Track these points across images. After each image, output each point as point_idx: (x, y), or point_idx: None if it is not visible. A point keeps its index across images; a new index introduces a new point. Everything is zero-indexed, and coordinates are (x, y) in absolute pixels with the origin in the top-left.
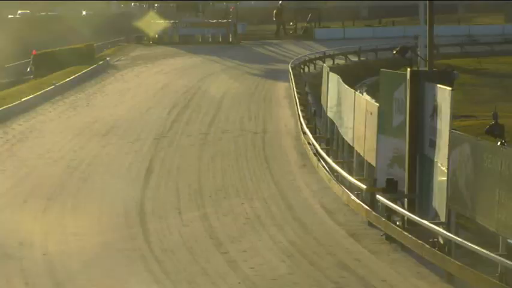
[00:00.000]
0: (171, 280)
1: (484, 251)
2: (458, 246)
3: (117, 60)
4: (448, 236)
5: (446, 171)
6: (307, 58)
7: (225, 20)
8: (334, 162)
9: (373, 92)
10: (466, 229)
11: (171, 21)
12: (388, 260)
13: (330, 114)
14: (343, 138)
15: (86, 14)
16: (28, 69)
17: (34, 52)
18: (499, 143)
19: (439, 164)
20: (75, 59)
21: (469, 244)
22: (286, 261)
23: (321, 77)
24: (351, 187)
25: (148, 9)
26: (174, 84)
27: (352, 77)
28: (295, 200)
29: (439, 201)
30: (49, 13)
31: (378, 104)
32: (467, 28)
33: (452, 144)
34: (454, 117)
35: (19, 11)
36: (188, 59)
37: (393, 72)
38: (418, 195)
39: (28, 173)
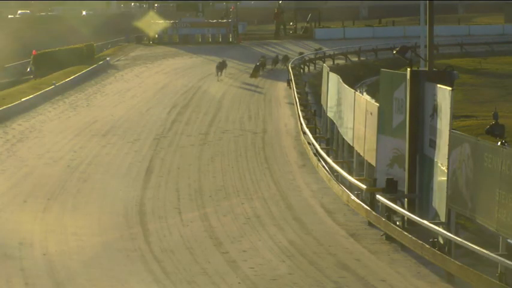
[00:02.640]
0: (171, 280)
1: (484, 251)
2: (458, 246)
3: (117, 60)
4: (448, 236)
5: (446, 171)
6: (306, 58)
7: (225, 20)
8: (334, 162)
9: (373, 92)
10: (466, 229)
11: (171, 21)
12: (388, 260)
13: (330, 114)
14: (343, 138)
15: (86, 14)
16: (28, 69)
17: (34, 52)
18: (499, 143)
19: (439, 164)
20: (75, 59)
21: (469, 244)
22: (286, 261)
23: (321, 77)
24: (351, 187)
25: (148, 9)
26: (174, 84)
27: (352, 77)
28: (295, 199)
29: (439, 201)
30: (49, 13)
31: (378, 104)
32: (467, 28)
33: (452, 144)
34: (454, 117)
35: (19, 11)
36: (188, 59)
37: (393, 72)
38: (418, 195)
39: (28, 173)
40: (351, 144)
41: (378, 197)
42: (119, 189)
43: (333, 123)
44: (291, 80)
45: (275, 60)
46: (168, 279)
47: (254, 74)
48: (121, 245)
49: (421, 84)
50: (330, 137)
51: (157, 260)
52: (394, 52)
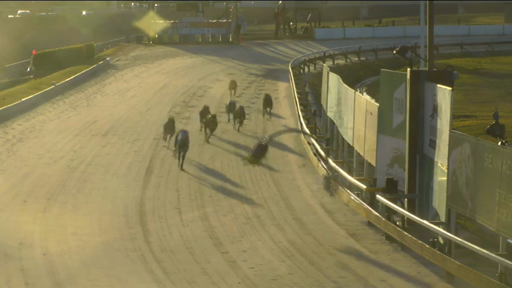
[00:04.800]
0: (171, 280)
1: (484, 251)
2: (458, 246)
3: (117, 60)
4: (448, 236)
5: (446, 171)
6: (306, 58)
7: (224, 20)
8: (334, 162)
9: (373, 92)
10: (466, 229)
11: (171, 21)
12: (388, 260)
13: (330, 114)
14: (343, 138)
15: (86, 14)
16: (28, 69)
17: (34, 52)
18: (499, 143)
19: (439, 164)
20: (75, 59)
21: (469, 244)
22: (286, 261)
23: (321, 77)
24: (351, 187)
25: (148, 9)
26: (174, 84)
27: (352, 77)
28: (295, 200)
29: (439, 201)
30: (49, 13)
31: (378, 104)
32: (467, 28)
33: (453, 144)
34: (454, 117)
35: (19, 11)
36: (188, 59)
37: (393, 72)
38: (418, 195)
39: (28, 173)
40: (351, 144)
41: (378, 197)
42: (118, 189)
43: (333, 123)
44: (332, 180)
45: (237, 113)
46: (168, 279)
47: (254, 160)
48: (121, 245)
49: (421, 84)
50: (330, 137)
51: (157, 260)
52: (394, 52)
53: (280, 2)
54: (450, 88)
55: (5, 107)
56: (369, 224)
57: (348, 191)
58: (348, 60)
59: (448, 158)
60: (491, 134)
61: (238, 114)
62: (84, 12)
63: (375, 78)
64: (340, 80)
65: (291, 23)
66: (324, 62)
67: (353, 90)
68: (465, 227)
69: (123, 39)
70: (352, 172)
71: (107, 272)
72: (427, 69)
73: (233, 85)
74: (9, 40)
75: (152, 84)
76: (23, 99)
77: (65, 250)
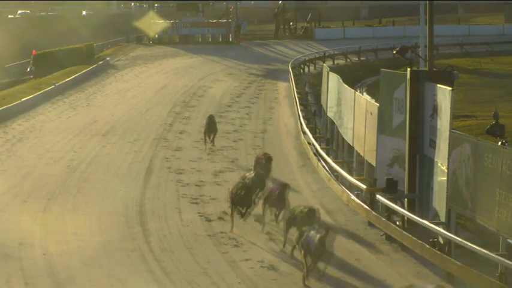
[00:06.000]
0: (171, 280)
1: (484, 251)
2: (458, 246)
3: (117, 60)
4: (448, 236)
5: (446, 171)
6: (306, 58)
7: (224, 20)
8: (334, 162)
9: (373, 92)
10: (466, 229)
11: (171, 21)
12: (388, 260)
13: (330, 114)
14: (343, 138)
15: (86, 14)
16: (28, 69)
17: (34, 52)
18: (499, 143)
19: (439, 164)
20: (75, 59)
21: (469, 244)
22: (286, 261)
23: (321, 77)
24: (351, 187)
25: (148, 9)
26: (174, 84)
27: (352, 77)
28: (295, 200)
29: (439, 201)
30: (49, 13)
31: (378, 104)
32: (467, 28)
33: (453, 144)
34: (454, 117)
35: (19, 11)
36: (188, 59)
37: (393, 72)
38: (418, 195)
39: (28, 173)
40: (351, 144)
41: (378, 197)
42: (119, 189)
43: (333, 123)
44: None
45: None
46: (168, 279)
47: None
48: (121, 245)
49: (421, 84)
50: (330, 137)
51: (158, 260)
52: (394, 52)
53: (280, 2)
54: (450, 88)
55: (5, 107)
56: (369, 224)
57: None
58: (348, 60)
59: (448, 158)
60: (491, 134)
61: (274, 201)
62: (84, 12)
63: (375, 78)
64: (340, 80)
65: (291, 23)
66: (324, 62)
67: (353, 90)
68: (465, 227)
69: (123, 39)
70: (352, 172)
71: (107, 272)
72: (427, 69)
73: (211, 127)
74: (9, 40)
75: (152, 84)
76: (23, 99)
77: (65, 250)
